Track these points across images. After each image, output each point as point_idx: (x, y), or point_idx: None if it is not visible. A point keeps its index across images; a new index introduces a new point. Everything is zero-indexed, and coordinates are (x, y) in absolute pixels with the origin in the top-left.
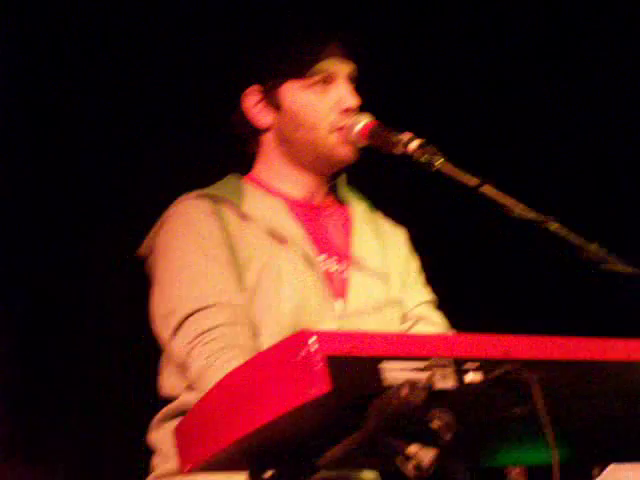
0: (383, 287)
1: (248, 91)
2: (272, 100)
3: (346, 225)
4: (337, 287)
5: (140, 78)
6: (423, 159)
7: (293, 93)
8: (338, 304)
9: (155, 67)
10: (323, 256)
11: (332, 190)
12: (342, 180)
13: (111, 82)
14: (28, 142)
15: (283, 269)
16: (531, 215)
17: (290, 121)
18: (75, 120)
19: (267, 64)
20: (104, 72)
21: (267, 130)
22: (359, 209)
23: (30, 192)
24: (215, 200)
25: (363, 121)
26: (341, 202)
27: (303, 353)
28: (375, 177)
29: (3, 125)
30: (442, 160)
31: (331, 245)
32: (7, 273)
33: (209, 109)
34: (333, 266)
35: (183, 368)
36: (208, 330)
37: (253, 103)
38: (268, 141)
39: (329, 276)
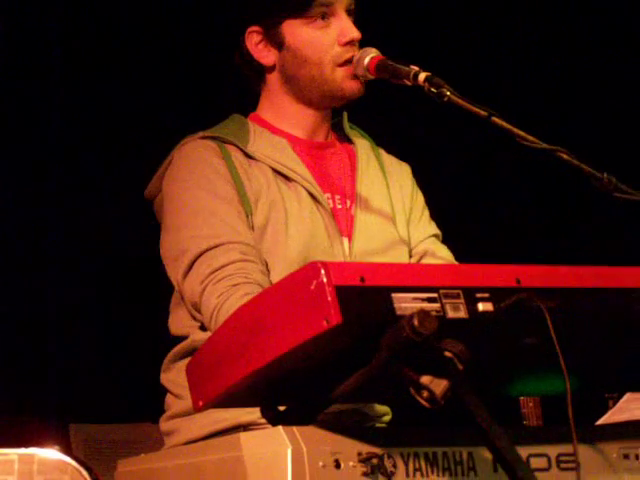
0: (389, 225)
1: (249, 31)
2: (273, 39)
3: (350, 163)
4: (344, 225)
5: (144, 19)
6: (434, 90)
7: (294, 30)
8: (345, 242)
9: (158, 6)
10: (328, 194)
11: (335, 128)
12: (344, 118)
13: (116, 23)
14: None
15: (290, 208)
16: (542, 144)
17: (293, 58)
18: (81, 56)
19: (265, 3)
20: (108, 11)
21: (271, 69)
22: (362, 146)
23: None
24: (220, 141)
25: (370, 54)
26: (344, 140)
27: (313, 285)
28: (374, 113)
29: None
30: (451, 91)
31: (335, 183)
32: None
33: (213, 50)
34: (339, 204)
35: (196, 308)
36: (219, 268)
37: (255, 43)
38: (272, 80)
39: (336, 213)
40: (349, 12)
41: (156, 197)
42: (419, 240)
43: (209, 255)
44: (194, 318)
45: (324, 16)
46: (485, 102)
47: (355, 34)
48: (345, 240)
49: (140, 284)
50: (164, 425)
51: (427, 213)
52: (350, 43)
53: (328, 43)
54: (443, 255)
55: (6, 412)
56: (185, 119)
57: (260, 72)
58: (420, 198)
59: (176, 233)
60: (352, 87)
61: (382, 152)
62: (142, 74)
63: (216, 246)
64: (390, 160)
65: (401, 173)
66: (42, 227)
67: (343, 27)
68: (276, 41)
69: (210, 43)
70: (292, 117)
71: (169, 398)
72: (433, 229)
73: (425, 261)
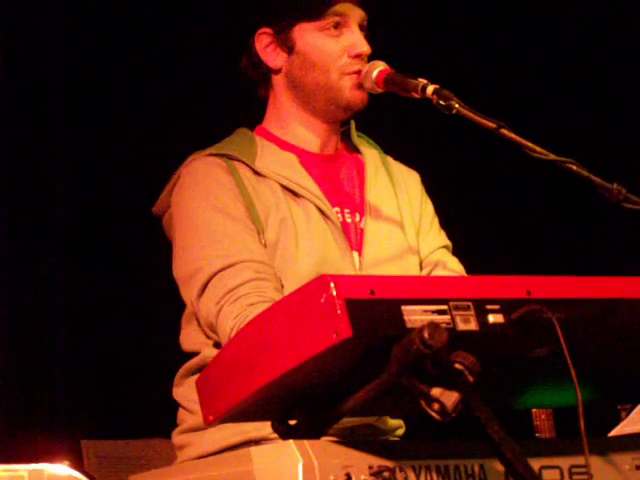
0: (400, 235)
1: (260, 32)
2: (284, 42)
3: (359, 173)
4: (354, 239)
5: (151, 25)
6: (442, 102)
7: (305, 35)
8: (356, 256)
9: (165, 11)
10: (337, 208)
11: (343, 137)
12: (352, 127)
13: (120, 31)
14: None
15: (300, 225)
16: (551, 156)
17: (301, 63)
18: (84, 65)
19: (280, 5)
20: (113, 21)
21: (278, 73)
22: (371, 156)
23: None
24: (227, 158)
25: (379, 67)
26: (352, 149)
27: (323, 298)
28: (383, 122)
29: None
30: (460, 103)
31: (345, 197)
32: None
33: (221, 59)
34: (348, 218)
35: (212, 329)
36: (235, 288)
37: (265, 45)
38: (279, 85)
39: (346, 227)
40: (361, 27)
41: (164, 214)
42: (429, 251)
43: (223, 275)
44: (207, 335)
45: (337, 25)
46: (494, 113)
47: (365, 48)
48: (355, 254)
49: (151, 299)
50: (176, 439)
51: (436, 222)
52: (359, 56)
53: (337, 52)
54: (454, 267)
55: (17, 428)
56: (190, 132)
57: (267, 76)
58: (429, 206)
59: (188, 253)
60: (356, 97)
61: (390, 160)
62: (146, 83)
63: (230, 265)
64: (399, 168)
65: (410, 181)
66: (53, 238)
67: (354, 39)
68: (286, 44)
69: (217, 53)
70: (299, 128)
71: (181, 413)
72: (443, 240)
73: (436, 273)
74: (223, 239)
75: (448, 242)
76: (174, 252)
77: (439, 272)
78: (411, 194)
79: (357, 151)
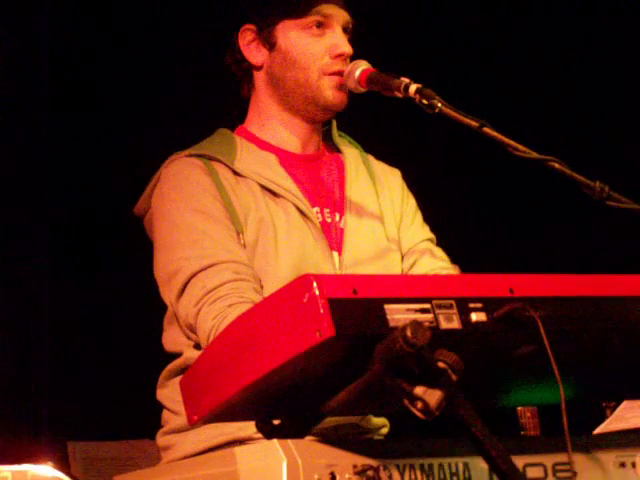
0: (381, 234)
1: (243, 28)
2: (266, 39)
3: (339, 173)
4: (334, 238)
5: (134, 25)
6: (425, 101)
7: (287, 32)
8: (335, 256)
9: (149, 10)
10: (316, 208)
11: (324, 137)
12: (333, 127)
13: (104, 31)
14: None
15: (279, 225)
16: (534, 154)
17: (282, 60)
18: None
19: (264, 2)
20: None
21: (260, 69)
22: (351, 155)
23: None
24: (207, 158)
25: (361, 67)
26: (333, 149)
27: (306, 298)
28: (364, 121)
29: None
30: (442, 102)
31: (324, 196)
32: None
33: (202, 59)
34: (328, 217)
35: (191, 330)
36: (214, 289)
37: (247, 41)
38: (260, 82)
39: (325, 227)
40: (345, 30)
41: (145, 214)
42: (414, 243)
43: (202, 276)
44: (187, 336)
45: (319, 25)
46: (477, 112)
47: (347, 49)
48: (335, 254)
49: (136, 300)
50: (161, 440)
51: (419, 216)
52: (340, 57)
53: (319, 51)
54: (441, 255)
55: (2, 430)
56: (171, 132)
57: (249, 73)
58: (411, 202)
59: (168, 254)
60: (335, 97)
61: (371, 159)
62: (128, 84)
63: (209, 266)
64: (380, 166)
65: (391, 178)
66: (37, 239)
67: (336, 40)
68: (268, 41)
69: (201, 52)
70: (280, 128)
71: (165, 414)
72: (427, 233)
73: (424, 259)
74: (202, 239)
75: (432, 235)
76: (154, 253)
77: (427, 259)
78: (392, 191)
79: (338, 151)
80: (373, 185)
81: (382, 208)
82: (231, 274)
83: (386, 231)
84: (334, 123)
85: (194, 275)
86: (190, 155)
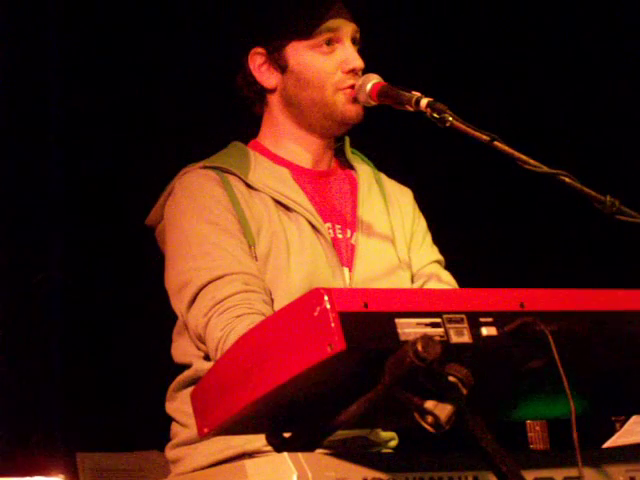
0: (391, 252)
1: (253, 52)
2: (277, 61)
3: (351, 190)
4: (345, 255)
5: (147, 40)
6: (436, 115)
7: (298, 53)
8: (346, 272)
9: (159, 28)
10: (328, 224)
11: (337, 153)
12: (346, 143)
13: (116, 45)
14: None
15: (291, 239)
16: (544, 168)
17: (296, 81)
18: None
19: (272, 25)
20: (106, 33)
21: (273, 91)
22: (364, 172)
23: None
24: (221, 170)
25: (372, 81)
26: (346, 165)
27: (317, 311)
28: (377, 138)
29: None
30: (454, 116)
31: (336, 213)
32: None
33: (214, 73)
34: (339, 233)
35: (201, 340)
36: (223, 300)
37: (258, 64)
38: (274, 103)
39: (337, 243)
40: (354, 41)
41: (158, 225)
42: (422, 265)
43: (212, 287)
44: (197, 347)
45: (329, 42)
46: (487, 125)
47: (358, 63)
48: (346, 270)
49: (147, 311)
50: (170, 453)
51: (429, 238)
52: (353, 71)
53: (331, 69)
54: (448, 280)
55: (13, 441)
56: (185, 145)
57: (261, 95)
58: (422, 223)
59: (179, 265)
60: (352, 111)
61: (383, 177)
62: (141, 96)
63: (219, 277)
64: (391, 185)
65: (402, 198)
66: (50, 247)
67: (347, 55)
68: (279, 64)
69: (212, 67)
70: (294, 144)
71: (175, 426)
72: (435, 255)
73: (430, 285)
74: (213, 251)
75: (440, 257)
76: (166, 263)
77: (433, 284)
78: (403, 211)
79: (351, 167)
80: (385, 204)
81: (393, 228)
82: (241, 285)
83: (397, 251)
84: (347, 140)
85: (204, 286)
86: (204, 167)
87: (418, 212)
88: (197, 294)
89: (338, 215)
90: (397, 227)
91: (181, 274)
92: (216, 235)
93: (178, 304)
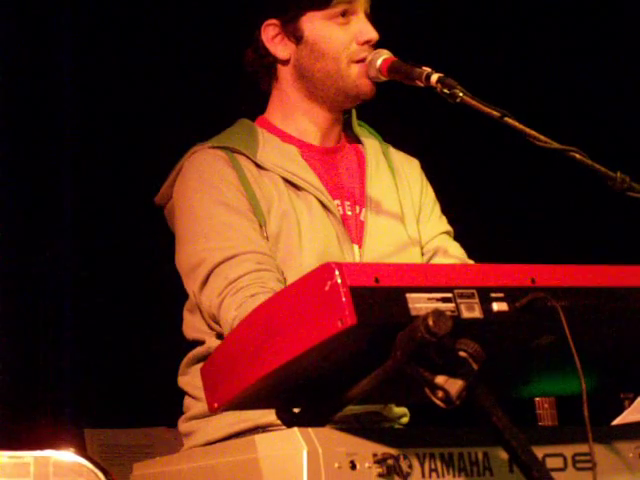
0: (400, 228)
1: (267, 24)
2: (292, 32)
3: (359, 165)
4: (354, 232)
5: (153, 15)
6: (446, 91)
7: (314, 24)
8: (356, 249)
9: (166, 3)
10: (337, 201)
11: (344, 128)
12: (353, 116)
13: (121, 21)
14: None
15: (302, 218)
16: (555, 144)
17: (310, 52)
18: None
19: None
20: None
21: (285, 64)
22: (372, 147)
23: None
24: (230, 150)
25: (383, 56)
26: (353, 139)
27: (328, 286)
28: (384, 110)
29: None
30: (464, 92)
31: (345, 189)
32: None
33: (220, 49)
34: (348, 210)
35: (214, 320)
36: (236, 279)
37: (272, 36)
38: (285, 76)
39: (346, 220)
40: (366, 15)
41: (167, 204)
42: (430, 237)
43: (225, 266)
44: (211, 328)
45: (344, 14)
46: (498, 102)
47: (373, 35)
48: (355, 247)
49: (154, 288)
50: (183, 426)
51: (438, 209)
52: (368, 43)
53: (346, 40)
54: (455, 253)
55: (22, 416)
56: (191, 122)
57: (272, 68)
58: (430, 193)
59: (190, 245)
60: (366, 85)
61: (391, 149)
62: (145, 72)
63: (232, 257)
64: (399, 157)
65: (410, 169)
66: (56, 235)
67: (362, 27)
68: (294, 34)
69: (219, 43)
70: (303, 119)
71: (187, 400)
72: (444, 226)
73: (436, 259)
74: (225, 231)
75: (449, 228)
76: (177, 244)
77: (439, 259)
78: (411, 182)
79: (358, 141)
80: (393, 178)
81: (402, 203)
82: (253, 264)
83: (406, 227)
84: (354, 112)
85: (217, 266)
86: (213, 147)
87: (426, 182)
88: (210, 274)
89: (347, 192)
90: (405, 202)
91: (193, 255)
92: (227, 215)
93: (191, 284)
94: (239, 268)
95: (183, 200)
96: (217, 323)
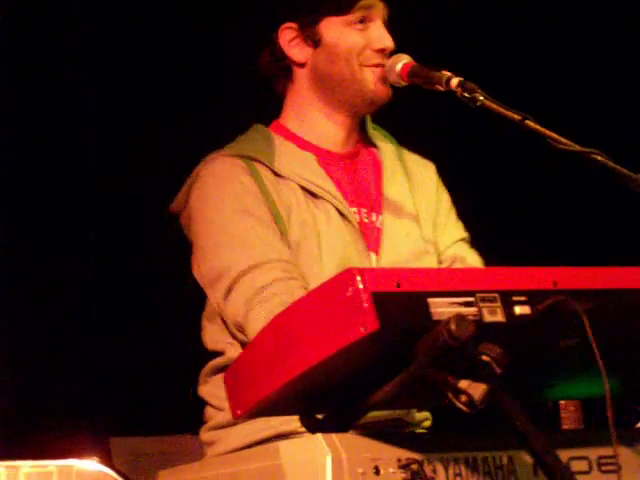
0: (417, 235)
1: (284, 27)
2: (309, 36)
3: (376, 171)
4: (372, 239)
5: (168, 18)
6: (467, 95)
7: (332, 29)
8: (373, 257)
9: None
10: (354, 209)
11: (359, 131)
12: (368, 120)
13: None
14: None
15: (321, 226)
16: (576, 147)
17: (327, 56)
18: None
19: (307, 0)
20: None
21: (301, 67)
22: (387, 152)
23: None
24: (248, 159)
25: (403, 61)
26: (368, 143)
27: (350, 291)
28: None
29: None
30: (484, 95)
31: (362, 196)
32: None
33: (236, 52)
34: (365, 218)
35: (240, 329)
36: (264, 287)
37: (289, 39)
38: (301, 79)
39: (363, 228)
40: (384, 23)
41: (182, 212)
42: (447, 245)
43: (250, 275)
44: (233, 336)
45: (363, 20)
46: (517, 105)
47: (389, 43)
48: (373, 255)
49: (179, 295)
50: (205, 436)
51: (453, 214)
52: (382, 51)
53: (362, 45)
54: (472, 262)
55: (46, 425)
56: (204, 128)
57: (288, 72)
58: (445, 198)
59: (213, 254)
60: (382, 91)
61: (405, 153)
62: (159, 78)
63: (257, 265)
64: (414, 161)
65: (425, 175)
66: (72, 241)
67: (379, 34)
68: (312, 38)
69: (232, 48)
70: (319, 124)
71: (209, 410)
72: (460, 232)
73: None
74: (248, 239)
75: (465, 234)
76: (196, 253)
77: (457, 267)
78: (427, 188)
79: (373, 145)
80: (409, 184)
81: (418, 208)
82: (280, 272)
83: (422, 232)
84: (368, 116)
85: (242, 274)
86: (230, 155)
87: (441, 187)
88: (234, 283)
89: (363, 198)
90: (421, 207)
91: (217, 263)
92: (249, 223)
93: (213, 294)
94: (266, 276)
95: (203, 209)
96: (242, 332)
